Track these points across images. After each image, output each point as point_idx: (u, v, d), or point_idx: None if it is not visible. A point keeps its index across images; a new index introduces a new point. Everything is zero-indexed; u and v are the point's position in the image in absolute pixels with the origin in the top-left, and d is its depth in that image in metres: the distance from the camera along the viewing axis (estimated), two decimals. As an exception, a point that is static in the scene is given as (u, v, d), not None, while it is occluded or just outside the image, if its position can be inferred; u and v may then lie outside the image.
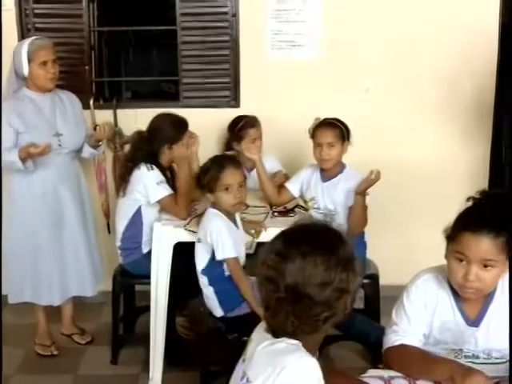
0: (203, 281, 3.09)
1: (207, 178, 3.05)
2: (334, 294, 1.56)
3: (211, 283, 3.07)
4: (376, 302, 3.48)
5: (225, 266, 3.04)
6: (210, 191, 3.06)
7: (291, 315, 1.55)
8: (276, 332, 1.62)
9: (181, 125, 3.52)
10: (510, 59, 3.83)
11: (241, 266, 3.07)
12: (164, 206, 3.45)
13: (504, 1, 4.19)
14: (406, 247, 4.31)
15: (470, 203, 2.00)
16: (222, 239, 2.98)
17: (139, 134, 3.57)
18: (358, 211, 3.29)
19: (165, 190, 3.41)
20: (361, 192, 3.25)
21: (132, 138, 3.65)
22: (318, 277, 1.54)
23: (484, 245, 1.90)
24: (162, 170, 3.48)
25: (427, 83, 4.28)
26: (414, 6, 4.19)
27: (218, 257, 2.99)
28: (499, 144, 6.06)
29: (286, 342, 1.59)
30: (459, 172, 4.35)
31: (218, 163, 3.07)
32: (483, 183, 4.25)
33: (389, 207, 4.22)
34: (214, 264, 3.05)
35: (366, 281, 3.41)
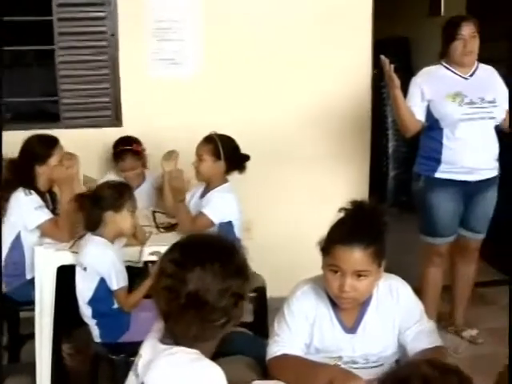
0: (86, 313, 2.98)
1: (113, 195, 2.97)
2: (232, 300, 1.60)
3: (95, 316, 2.97)
4: (264, 314, 3.52)
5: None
6: (114, 210, 2.96)
7: (195, 321, 1.58)
8: (178, 340, 1.63)
9: (48, 141, 3.47)
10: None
11: None
12: (44, 231, 3.36)
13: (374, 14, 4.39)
14: (291, 260, 4.38)
15: (341, 214, 2.08)
16: (116, 269, 2.91)
17: (11, 160, 3.45)
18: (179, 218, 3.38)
19: (44, 215, 3.34)
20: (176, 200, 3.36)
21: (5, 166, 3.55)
22: (217, 284, 1.58)
23: (356, 256, 1.97)
24: (41, 194, 3.41)
25: (307, 98, 4.38)
26: (296, 23, 4.29)
27: (114, 287, 2.90)
28: (379, 154, 6.31)
29: (185, 352, 1.60)
30: (341, 184, 4.46)
31: (124, 187, 3.07)
32: (364, 195, 4.38)
33: (273, 221, 4.30)
34: (102, 295, 2.94)
35: (252, 294, 3.46)
